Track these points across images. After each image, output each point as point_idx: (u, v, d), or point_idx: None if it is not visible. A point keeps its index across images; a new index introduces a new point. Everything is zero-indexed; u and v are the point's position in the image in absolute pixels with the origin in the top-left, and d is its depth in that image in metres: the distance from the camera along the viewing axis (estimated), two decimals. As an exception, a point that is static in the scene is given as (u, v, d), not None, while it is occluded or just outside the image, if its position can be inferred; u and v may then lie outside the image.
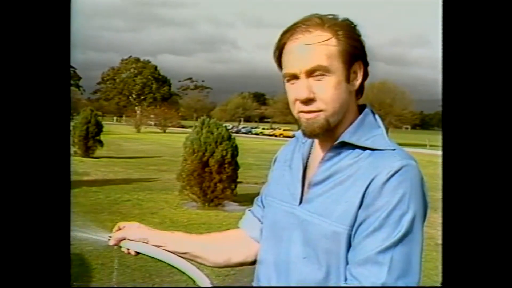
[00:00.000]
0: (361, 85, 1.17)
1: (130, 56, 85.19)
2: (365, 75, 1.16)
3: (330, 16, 1.13)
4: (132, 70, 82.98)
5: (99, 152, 18.12)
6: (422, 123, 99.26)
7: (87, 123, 17.58)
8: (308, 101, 1.10)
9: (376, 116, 1.19)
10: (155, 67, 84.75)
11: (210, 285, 1.27)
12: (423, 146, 34.84)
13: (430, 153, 23.38)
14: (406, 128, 65.79)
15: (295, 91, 1.11)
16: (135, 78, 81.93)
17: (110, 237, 1.35)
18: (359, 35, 1.14)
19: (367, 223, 1.05)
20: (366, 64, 1.16)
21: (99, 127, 18.28)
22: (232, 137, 9.14)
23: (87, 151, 17.60)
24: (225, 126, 9.49)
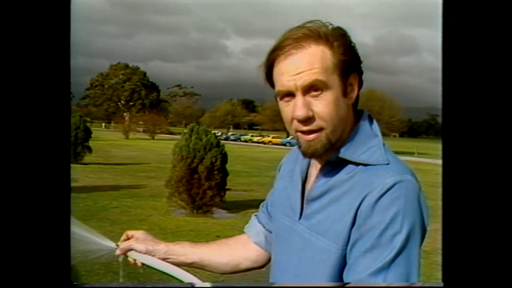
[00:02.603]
0: (357, 96, 1.12)
1: (119, 62, 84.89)
2: (360, 84, 1.12)
3: (319, 24, 1.07)
4: (121, 76, 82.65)
5: (87, 158, 17.99)
6: (410, 131, 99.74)
7: (76, 129, 17.46)
8: (307, 120, 1.04)
9: (374, 123, 1.14)
10: (144, 73, 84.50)
11: None
12: (411, 154, 35.04)
13: (418, 161, 23.51)
14: (395, 136, 66.13)
15: (292, 109, 1.06)
16: (124, 84, 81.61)
17: (117, 245, 1.34)
18: (352, 43, 1.09)
19: (360, 243, 1.01)
20: (360, 73, 1.11)
21: (87, 133, 18.17)
22: (221, 144, 9.15)
23: (76, 157, 17.45)
24: (214, 133, 9.50)
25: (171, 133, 57.99)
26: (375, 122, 1.14)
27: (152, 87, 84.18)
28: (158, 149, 29.72)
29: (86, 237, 1.33)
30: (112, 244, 1.34)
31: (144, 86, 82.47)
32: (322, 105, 1.04)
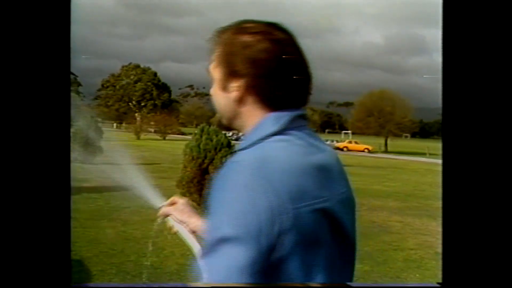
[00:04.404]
0: (257, 95, 1.12)
1: (130, 63, 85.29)
2: (258, 89, 1.11)
3: (246, 22, 1.15)
4: (132, 77, 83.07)
5: (99, 158, 18.11)
6: (422, 132, 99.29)
7: (87, 129, 17.57)
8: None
9: (270, 117, 1.11)
10: (155, 74, 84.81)
11: None
12: (423, 154, 34.83)
13: (430, 162, 23.37)
14: (406, 137, 65.75)
15: None
16: (135, 84, 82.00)
17: (161, 207, 1.44)
18: (249, 45, 1.11)
19: None
20: (255, 79, 1.11)
21: (99, 134, 18.29)
22: (232, 144, 9.16)
23: (87, 158, 17.57)
24: (225, 133, 9.52)
25: (182, 134, 58.14)
26: (273, 116, 1.11)
27: (163, 87, 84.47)
28: (169, 150, 29.81)
29: (142, 192, 1.47)
30: (158, 204, 1.45)
31: (155, 86, 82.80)
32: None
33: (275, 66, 1.08)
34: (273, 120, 1.09)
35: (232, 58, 1.11)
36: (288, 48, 1.10)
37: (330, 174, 1.09)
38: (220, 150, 8.78)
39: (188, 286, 1.30)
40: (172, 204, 1.45)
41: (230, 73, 1.12)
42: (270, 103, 1.11)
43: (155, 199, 1.43)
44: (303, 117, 1.12)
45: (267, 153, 1.03)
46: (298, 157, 1.04)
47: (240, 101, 1.12)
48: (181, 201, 1.45)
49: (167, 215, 1.43)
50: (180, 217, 1.41)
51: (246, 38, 1.11)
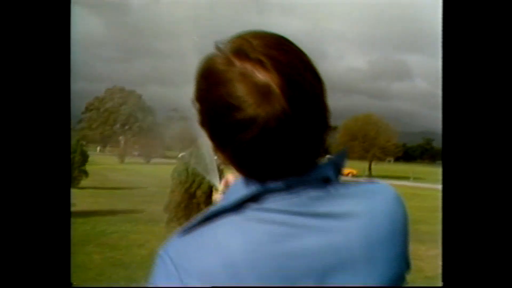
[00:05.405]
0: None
1: (115, 86, 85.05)
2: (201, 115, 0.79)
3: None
4: (116, 100, 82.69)
5: (84, 182, 17.95)
6: (405, 155, 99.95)
7: (72, 153, 17.45)
8: None
9: (235, 184, 0.83)
10: (140, 96, 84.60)
11: None
12: (407, 178, 35.06)
13: (415, 186, 23.51)
14: (389, 161, 66.13)
15: None
16: (119, 107, 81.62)
17: (220, 186, 1.27)
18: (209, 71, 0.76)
19: None
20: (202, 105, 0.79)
21: (84, 157, 18.18)
22: (220, 168, 9.17)
23: (72, 181, 17.43)
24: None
25: (167, 157, 57.84)
26: (235, 189, 0.81)
27: (148, 110, 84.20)
28: (153, 173, 29.64)
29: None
30: (216, 184, 1.30)
31: (140, 109, 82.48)
32: None
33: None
34: (235, 187, 0.79)
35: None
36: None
37: (324, 265, 0.74)
38: (207, 174, 8.79)
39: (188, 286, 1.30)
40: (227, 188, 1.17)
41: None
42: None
43: None
44: (300, 182, 0.76)
45: (202, 242, 0.76)
46: (258, 246, 0.73)
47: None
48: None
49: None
50: None
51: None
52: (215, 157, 1.36)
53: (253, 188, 0.75)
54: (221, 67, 0.73)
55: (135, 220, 11.11)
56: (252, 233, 0.73)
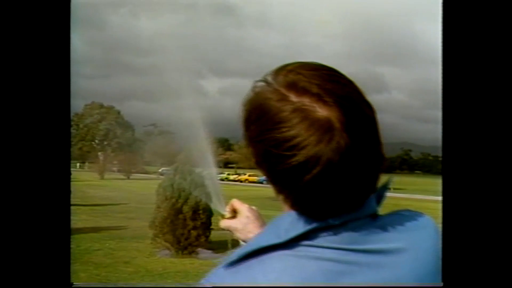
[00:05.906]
0: None
1: (93, 102, 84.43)
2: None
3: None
4: (95, 116, 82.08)
5: (64, 199, 17.74)
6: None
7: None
8: None
9: (286, 216, 0.79)
10: (118, 112, 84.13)
11: None
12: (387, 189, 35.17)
13: (396, 196, 23.71)
14: (369, 172, 66.41)
15: None
16: (98, 123, 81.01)
17: (226, 212, 1.19)
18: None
19: None
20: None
21: (64, 174, 17.99)
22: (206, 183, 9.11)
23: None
24: (198, 173, 9.48)
25: (146, 173, 57.47)
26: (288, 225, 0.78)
27: (126, 126, 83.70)
28: (134, 189, 29.40)
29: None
30: (221, 211, 1.23)
31: (118, 125, 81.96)
32: None
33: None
34: (287, 222, 0.75)
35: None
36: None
37: None
38: (195, 189, 8.75)
39: (188, 286, 1.27)
40: (234, 213, 1.15)
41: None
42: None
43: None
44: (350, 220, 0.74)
45: (250, 275, 0.72)
46: (311, 283, 0.71)
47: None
48: (244, 212, 1.13)
49: (228, 229, 1.15)
50: (243, 237, 1.10)
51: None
52: (218, 181, 1.31)
53: (313, 225, 0.72)
54: (275, 103, 0.69)
55: (118, 236, 10.97)
56: (305, 270, 0.71)
